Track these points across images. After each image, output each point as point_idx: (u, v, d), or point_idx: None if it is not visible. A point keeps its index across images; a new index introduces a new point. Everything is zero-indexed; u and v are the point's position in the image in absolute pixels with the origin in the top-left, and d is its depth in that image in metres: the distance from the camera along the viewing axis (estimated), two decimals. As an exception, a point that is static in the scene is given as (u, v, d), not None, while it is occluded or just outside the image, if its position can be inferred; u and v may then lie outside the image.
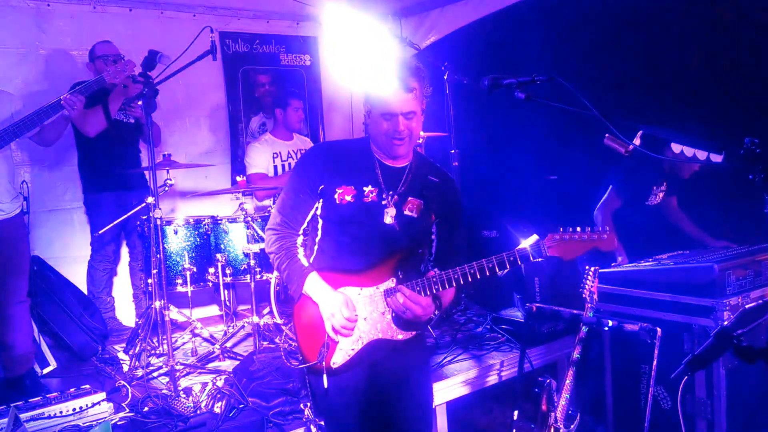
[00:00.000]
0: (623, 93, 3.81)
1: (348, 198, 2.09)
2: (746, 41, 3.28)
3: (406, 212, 2.13)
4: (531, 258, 1.97)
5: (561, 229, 1.98)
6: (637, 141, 2.58)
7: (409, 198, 2.14)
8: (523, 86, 1.78)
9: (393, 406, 2.19)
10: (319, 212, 2.16)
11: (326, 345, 2.06)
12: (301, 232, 2.18)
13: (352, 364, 2.09)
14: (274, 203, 3.88)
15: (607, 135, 1.94)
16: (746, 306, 2.63)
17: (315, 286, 2.08)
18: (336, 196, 2.09)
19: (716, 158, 2.09)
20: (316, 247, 2.19)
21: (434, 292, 2.04)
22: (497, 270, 1.98)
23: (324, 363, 2.07)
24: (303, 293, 2.10)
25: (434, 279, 2.04)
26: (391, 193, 2.12)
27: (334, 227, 2.14)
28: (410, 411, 2.21)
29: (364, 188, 2.10)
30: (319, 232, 2.18)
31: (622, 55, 3.92)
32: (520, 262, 1.98)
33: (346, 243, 2.12)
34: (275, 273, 3.80)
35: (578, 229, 1.97)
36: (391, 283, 2.10)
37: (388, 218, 2.09)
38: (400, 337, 2.13)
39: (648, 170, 3.53)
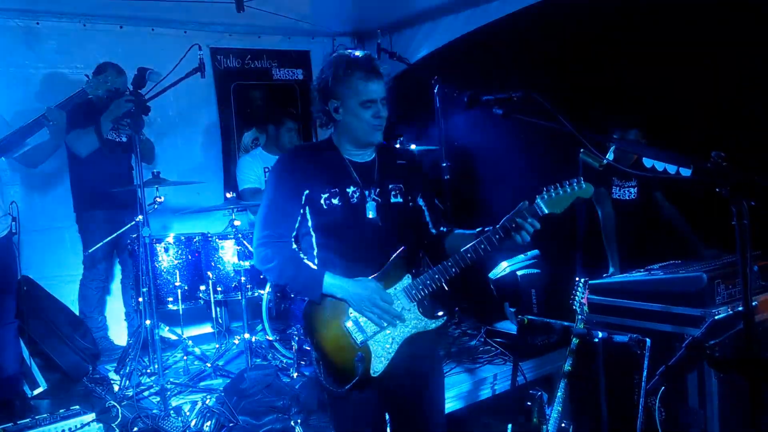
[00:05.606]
0: (601, 108, 3.87)
1: (335, 201, 2.08)
2: (710, 59, 3.34)
3: (393, 199, 2.15)
4: (539, 213, 1.96)
5: (544, 188, 2.01)
6: (610, 155, 2.63)
7: (390, 185, 2.16)
8: (501, 102, 1.79)
9: (416, 402, 2.15)
10: (310, 224, 2.12)
11: (360, 357, 2.00)
12: (293, 241, 2.13)
13: (391, 368, 2.05)
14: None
15: (582, 149, 1.96)
16: (716, 317, 2.64)
17: (335, 282, 2.03)
18: (323, 201, 2.08)
19: (686, 172, 2.13)
20: (316, 261, 2.13)
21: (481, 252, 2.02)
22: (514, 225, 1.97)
23: (365, 375, 2.00)
24: (323, 294, 2.03)
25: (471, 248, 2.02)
26: (371, 188, 2.13)
27: (329, 237, 2.11)
28: (434, 405, 2.19)
29: (347, 190, 2.10)
30: (315, 248, 2.13)
31: (598, 72, 3.95)
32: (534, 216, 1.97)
33: (345, 250, 2.10)
34: (267, 289, 3.79)
35: (557, 184, 2.00)
36: (407, 280, 2.08)
37: (371, 213, 2.10)
38: (432, 326, 2.10)
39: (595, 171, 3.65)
